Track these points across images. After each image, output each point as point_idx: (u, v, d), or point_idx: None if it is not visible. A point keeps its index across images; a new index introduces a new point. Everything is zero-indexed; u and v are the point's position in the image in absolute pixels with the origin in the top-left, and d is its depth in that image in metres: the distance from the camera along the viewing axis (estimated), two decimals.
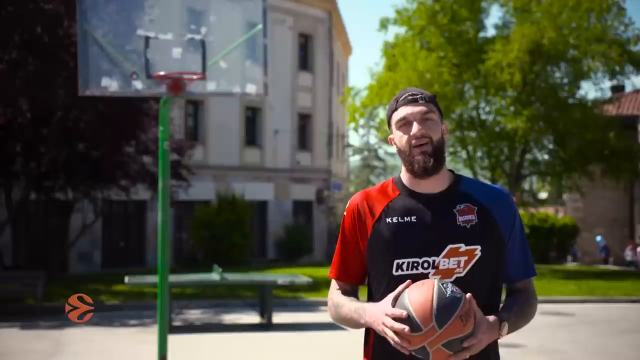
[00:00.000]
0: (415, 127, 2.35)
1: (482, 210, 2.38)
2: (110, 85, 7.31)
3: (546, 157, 24.29)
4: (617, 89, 27.95)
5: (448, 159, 24.47)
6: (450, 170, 2.48)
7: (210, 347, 10.30)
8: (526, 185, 28.87)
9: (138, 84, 7.32)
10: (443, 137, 2.40)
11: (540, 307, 14.67)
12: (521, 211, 26.52)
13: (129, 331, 11.63)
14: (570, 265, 27.54)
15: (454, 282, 2.29)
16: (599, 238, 28.78)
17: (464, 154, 23.60)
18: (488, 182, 2.45)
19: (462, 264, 2.32)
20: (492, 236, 2.36)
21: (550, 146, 23.70)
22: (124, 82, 7.33)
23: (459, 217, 2.36)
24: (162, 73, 7.16)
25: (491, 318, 2.25)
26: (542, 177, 25.74)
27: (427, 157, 2.35)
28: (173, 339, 9.54)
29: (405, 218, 2.38)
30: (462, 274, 2.32)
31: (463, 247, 2.32)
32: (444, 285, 2.19)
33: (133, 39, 7.27)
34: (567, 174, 23.12)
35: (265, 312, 12.18)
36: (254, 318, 12.87)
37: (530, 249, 2.47)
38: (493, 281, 2.38)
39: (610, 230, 28.80)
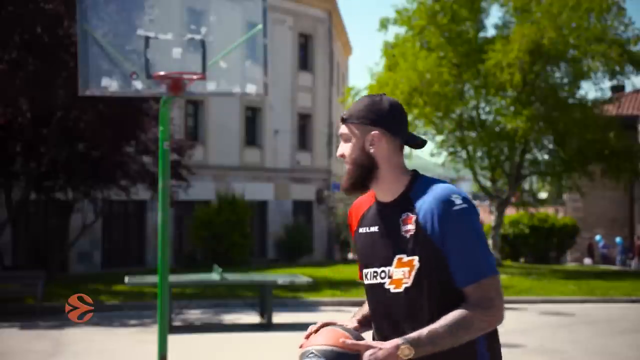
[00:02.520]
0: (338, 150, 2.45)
1: (418, 218, 2.30)
2: (110, 85, 7.30)
3: (546, 157, 24.30)
4: (617, 89, 27.95)
5: (448, 159, 24.63)
6: (414, 172, 2.42)
7: (210, 347, 10.30)
8: (526, 185, 28.84)
9: (138, 84, 7.32)
10: (365, 149, 2.35)
11: (540, 307, 14.64)
12: (521, 211, 26.51)
13: (129, 331, 11.63)
14: (570, 265, 27.52)
15: (404, 292, 2.30)
16: (618, 239, 28.25)
17: (464, 154, 23.61)
18: (442, 182, 2.31)
19: (406, 275, 2.31)
20: (426, 245, 2.28)
21: (550, 146, 23.70)
22: (124, 82, 7.33)
23: (402, 227, 2.33)
24: (162, 73, 7.16)
25: (389, 343, 2.19)
26: (542, 177, 25.73)
27: (346, 176, 2.40)
28: (173, 339, 9.53)
29: (370, 228, 2.42)
30: (409, 284, 2.31)
31: (405, 258, 2.31)
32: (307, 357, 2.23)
33: (133, 39, 7.27)
34: (567, 174, 23.12)
35: (265, 312, 12.17)
36: (254, 318, 12.87)
37: (482, 250, 2.26)
38: (442, 291, 2.28)
39: (610, 230, 28.78)
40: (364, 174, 2.36)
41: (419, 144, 2.41)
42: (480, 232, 2.28)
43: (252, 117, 27.66)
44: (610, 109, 25.09)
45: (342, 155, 2.39)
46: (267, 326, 11.86)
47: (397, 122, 2.37)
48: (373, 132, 2.34)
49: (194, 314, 13.59)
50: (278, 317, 12.35)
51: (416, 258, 2.29)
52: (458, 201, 2.27)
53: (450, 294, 2.27)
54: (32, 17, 14.38)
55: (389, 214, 2.37)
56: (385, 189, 2.38)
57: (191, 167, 19.41)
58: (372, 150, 2.34)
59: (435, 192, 2.30)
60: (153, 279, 12.01)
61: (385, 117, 2.35)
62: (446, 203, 2.27)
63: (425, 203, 2.29)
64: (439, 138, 23.81)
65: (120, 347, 10.27)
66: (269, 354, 9.86)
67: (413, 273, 2.29)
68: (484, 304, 2.23)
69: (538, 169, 24.12)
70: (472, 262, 2.26)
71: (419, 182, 2.37)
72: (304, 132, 29.68)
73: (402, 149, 2.40)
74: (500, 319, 2.27)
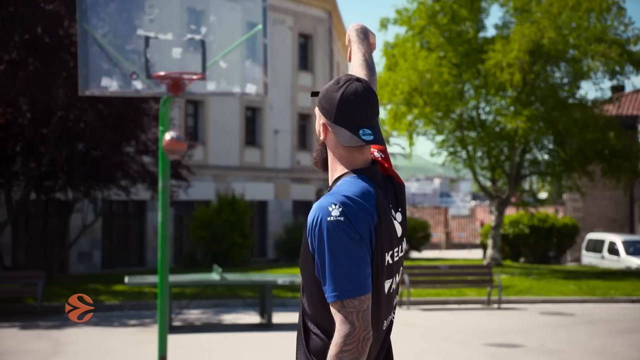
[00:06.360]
0: None
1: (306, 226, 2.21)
2: (110, 85, 7.32)
3: (546, 157, 24.29)
4: (617, 89, 27.93)
5: (448, 159, 24.62)
6: (353, 170, 2.25)
7: (210, 347, 10.29)
8: (526, 185, 28.83)
9: (138, 84, 7.33)
10: (319, 133, 2.32)
11: (540, 307, 14.62)
12: (521, 211, 26.49)
13: (129, 331, 11.63)
14: (570, 265, 27.51)
15: (301, 301, 2.28)
16: None
17: (464, 154, 23.60)
18: (348, 186, 2.19)
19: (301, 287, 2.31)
20: (305, 259, 2.21)
21: (550, 146, 23.70)
22: (124, 82, 7.34)
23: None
24: (162, 73, 7.17)
25: None
26: (542, 177, 25.72)
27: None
28: (173, 339, 9.55)
29: None
30: (302, 297, 2.29)
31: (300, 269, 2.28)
32: None
33: (133, 39, 7.29)
34: (567, 174, 23.11)
35: (265, 312, 12.18)
36: (254, 318, 12.87)
37: (335, 270, 2.09)
38: (324, 308, 2.17)
39: (610, 230, 28.76)
40: (323, 154, 2.34)
41: (366, 141, 2.18)
42: (338, 250, 2.08)
43: (252, 117, 27.67)
44: (610, 109, 25.08)
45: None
46: (267, 326, 11.86)
47: (346, 116, 2.19)
48: (322, 122, 2.26)
49: (194, 314, 13.59)
50: (278, 317, 12.35)
51: (300, 271, 2.25)
52: (330, 214, 2.10)
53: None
54: (32, 17, 14.38)
55: None
56: (329, 178, 2.30)
57: (191, 167, 19.42)
58: (321, 138, 2.29)
59: (321, 200, 2.15)
60: (153, 279, 12.03)
61: (333, 110, 2.21)
62: (316, 215, 2.13)
63: (312, 211, 2.16)
64: (439, 138, 23.81)
65: (120, 347, 10.27)
66: (269, 354, 9.86)
67: (300, 287, 2.28)
68: (343, 328, 2.06)
69: (538, 169, 24.12)
70: (328, 283, 2.10)
71: (339, 183, 2.22)
72: (304, 132, 29.69)
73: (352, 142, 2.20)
74: (363, 338, 2.06)
